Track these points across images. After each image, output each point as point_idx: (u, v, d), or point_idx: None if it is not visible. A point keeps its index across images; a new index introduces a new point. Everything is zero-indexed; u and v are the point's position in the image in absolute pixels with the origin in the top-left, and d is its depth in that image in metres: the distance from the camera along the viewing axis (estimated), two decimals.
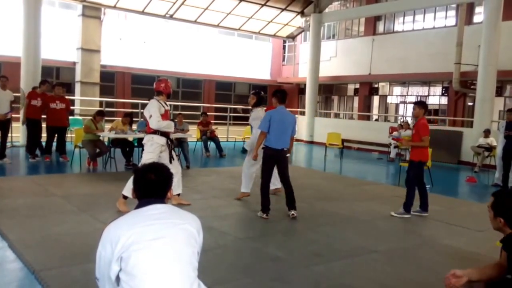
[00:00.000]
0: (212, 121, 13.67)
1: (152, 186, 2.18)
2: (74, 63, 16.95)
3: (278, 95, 5.82)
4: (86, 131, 8.75)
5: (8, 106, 8.71)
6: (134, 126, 10.00)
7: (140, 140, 8.10)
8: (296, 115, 16.52)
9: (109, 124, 9.61)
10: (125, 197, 5.38)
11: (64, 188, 6.66)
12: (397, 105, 19.65)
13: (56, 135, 9.46)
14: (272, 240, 4.77)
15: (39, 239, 4.30)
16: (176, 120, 10.06)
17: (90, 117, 9.09)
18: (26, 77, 11.20)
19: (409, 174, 6.13)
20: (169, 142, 5.68)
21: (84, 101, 15.83)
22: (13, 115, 9.20)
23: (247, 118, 6.96)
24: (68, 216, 5.14)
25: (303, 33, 20.74)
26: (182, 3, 15.94)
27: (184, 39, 20.21)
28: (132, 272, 1.93)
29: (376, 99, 20.11)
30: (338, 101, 22.00)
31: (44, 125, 9.47)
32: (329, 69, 19.60)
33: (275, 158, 5.63)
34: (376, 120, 19.42)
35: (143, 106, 7.51)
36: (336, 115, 21.53)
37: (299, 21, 19.07)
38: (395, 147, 12.75)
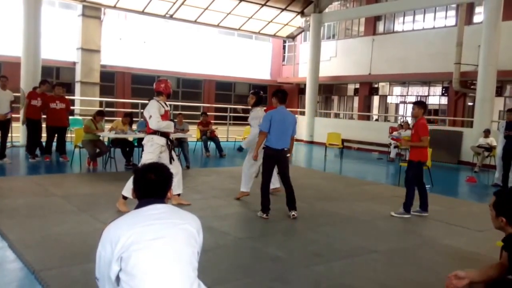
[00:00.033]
0: (212, 121, 13.67)
1: (152, 186, 2.18)
2: (74, 63, 16.95)
3: (279, 95, 5.82)
4: (86, 131, 8.75)
5: (8, 106, 8.71)
6: (134, 126, 10.00)
7: (140, 140, 8.10)
8: (296, 115, 16.50)
9: (109, 124, 9.61)
10: (124, 198, 5.38)
11: (64, 188, 6.66)
12: (397, 105, 19.65)
13: (56, 135, 9.46)
14: (272, 240, 4.77)
15: (39, 239, 4.30)
16: (176, 120, 10.07)
17: (90, 117, 9.09)
18: (26, 77, 11.21)
19: (408, 174, 6.13)
20: (169, 143, 5.68)
21: (84, 101, 15.83)
22: (13, 115, 9.21)
23: (247, 118, 6.96)
24: (68, 216, 5.15)
25: (303, 33, 20.75)
26: (182, 3, 15.94)
27: (184, 39, 20.21)
28: (132, 272, 1.93)
29: (376, 99, 20.10)
30: (338, 101, 22.00)
31: (44, 125, 9.47)
32: (329, 69, 19.60)
33: (275, 158, 5.63)
34: (376, 120, 19.42)
35: (143, 106, 7.51)
36: (336, 115, 21.53)
37: (299, 21, 19.07)
38: (395, 147, 12.75)
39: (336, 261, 4.14)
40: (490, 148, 11.19)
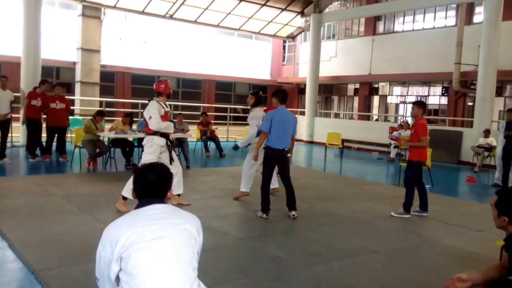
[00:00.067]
0: (212, 121, 13.67)
1: (152, 186, 2.18)
2: (74, 63, 16.95)
3: (279, 95, 5.82)
4: (86, 131, 8.75)
5: (8, 106, 8.71)
6: (134, 126, 10.00)
7: (140, 140, 8.10)
8: (296, 115, 16.50)
9: (109, 124, 9.61)
10: (124, 198, 5.38)
11: (64, 188, 6.66)
12: (397, 105, 19.65)
13: (56, 135, 9.46)
14: (272, 240, 4.77)
15: (39, 239, 4.30)
16: (176, 120, 10.07)
17: (90, 117, 9.09)
18: (26, 77, 11.21)
19: (407, 174, 6.13)
20: (169, 143, 5.68)
21: (84, 101, 15.83)
22: (13, 115, 9.20)
23: (247, 118, 6.96)
24: (68, 216, 5.15)
25: (303, 33, 20.75)
26: (182, 3, 15.94)
27: (184, 39, 20.21)
28: (132, 272, 1.93)
29: (376, 99, 20.10)
30: (338, 101, 22.00)
31: (44, 125, 9.47)
32: (329, 69, 19.59)
33: (276, 158, 5.63)
34: (376, 120, 19.42)
35: (143, 106, 7.51)
36: (336, 115, 21.53)
37: (299, 21, 19.07)
38: (395, 147, 12.75)
39: (336, 261, 4.14)
40: (490, 148, 11.19)
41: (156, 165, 2.30)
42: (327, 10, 18.21)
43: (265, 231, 5.15)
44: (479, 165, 11.20)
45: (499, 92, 14.82)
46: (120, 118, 9.49)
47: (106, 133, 8.77)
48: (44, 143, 9.47)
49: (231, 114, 16.62)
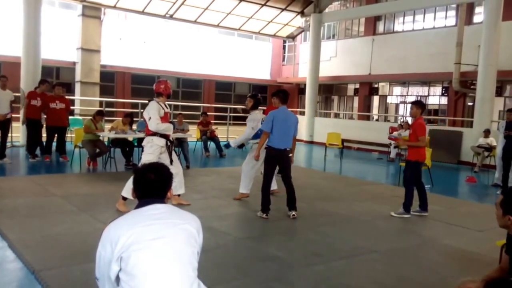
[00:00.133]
0: (212, 121, 13.67)
1: (152, 186, 2.17)
2: (74, 63, 16.95)
3: (281, 95, 5.83)
4: (86, 131, 8.75)
5: (8, 106, 8.71)
6: (134, 126, 10.00)
7: (140, 140, 8.09)
8: (296, 115, 16.50)
9: (109, 124, 9.61)
10: (124, 199, 5.38)
11: (64, 188, 6.66)
12: (397, 105, 19.65)
13: (56, 135, 9.46)
14: (272, 240, 4.77)
15: (39, 239, 4.30)
16: (176, 120, 10.07)
17: (90, 117, 9.09)
18: (26, 77, 11.20)
19: (406, 174, 6.13)
20: (169, 144, 5.68)
21: (84, 101, 15.83)
22: (13, 115, 9.20)
23: (246, 118, 6.96)
24: (68, 216, 5.15)
25: (303, 33, 20.74)
26: (182, 3, 15.94)
27: (184, 39, 20.21)
28: (132, 272, 1.93)
29: (376, 99, 20.10)
30: (338, 101, 22.00)
31: (44, 125, 9.47)
32: (329, 69, 19.59)
33: (277, 158, 5.64)
34: (376, 120, 19.42)
35: (143, 106, 7.51)
36: (336, 115, 21.53)
37: (299, 21, 19.07)
38: (395, 147, 12.75)
39: (336, 261, 4.14)
40: (490, 148, 11.19)
41: (156, 165, 2.29)
42: (327, 10, 18.21)
43: (265, 231, 5.15)
44: (479, 165, 11.20)
45: (499, 92, 14.82)
46: (120, 118, 9.49)
47: (106, 133, 8.77)
48: (44, 143, 9.47)
49: (231, 114, 16.60)
